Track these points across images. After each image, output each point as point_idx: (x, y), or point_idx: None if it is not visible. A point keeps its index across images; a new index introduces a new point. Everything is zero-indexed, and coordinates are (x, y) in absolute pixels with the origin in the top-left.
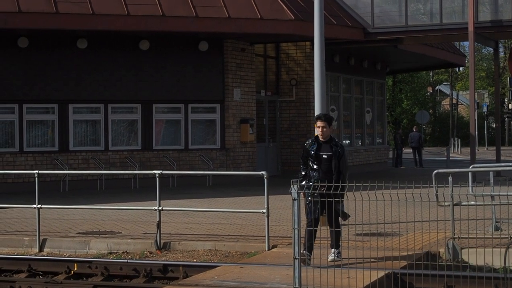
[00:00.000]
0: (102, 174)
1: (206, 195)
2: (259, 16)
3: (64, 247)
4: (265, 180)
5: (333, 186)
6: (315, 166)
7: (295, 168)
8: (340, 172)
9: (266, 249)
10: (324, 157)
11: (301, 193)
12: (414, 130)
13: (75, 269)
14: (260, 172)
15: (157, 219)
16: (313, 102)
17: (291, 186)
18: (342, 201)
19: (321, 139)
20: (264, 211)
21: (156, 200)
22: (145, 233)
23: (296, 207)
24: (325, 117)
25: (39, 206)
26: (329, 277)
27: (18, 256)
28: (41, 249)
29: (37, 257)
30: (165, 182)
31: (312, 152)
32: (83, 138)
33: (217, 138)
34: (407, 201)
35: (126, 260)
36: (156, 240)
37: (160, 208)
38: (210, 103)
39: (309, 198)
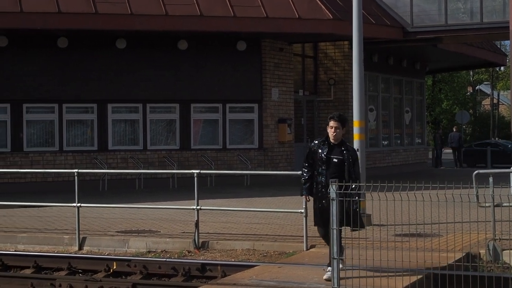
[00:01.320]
0: (140, 173)
1: (244, 195)
2: (297, 16)
3: (104, 245)
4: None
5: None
6: (323, 171)
7: None
8: (357, 178)
9: (304, 249)
10: (334, 161)
11: (305, 197)
12: (454, 130)
13: (114, 267)
14: (298, 172)
15: (195, 219)
16: (351, 102)
17: (330, 186)
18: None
19: (332, 141)
20: (302, 211)
21: (194, 199)
22: (184, 232)
23: (334, 207)
24: (339, 117)
25: (78, 204)
26: (368, 278)
27: (58, 254)
28: (80, 247)
29: (77, 255)
30: (203, 181)
31: (323, 155)
32: (122, 137)
33: (255, 137)
34: (447, 202)
35: (165, 259)
36: (195, 239)
37: (198, 207)
38: (248, 102)
39: (318, 206)
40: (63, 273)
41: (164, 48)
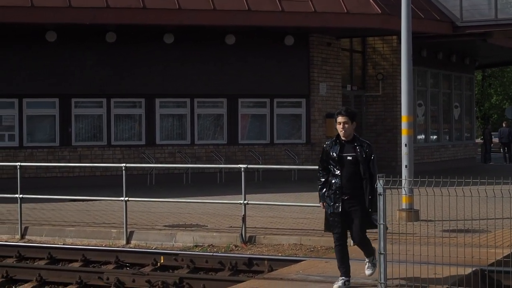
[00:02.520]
0: (188, 168)
1: (291, 190)
2: (346, 10)
3: (151, 239)
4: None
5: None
6: (337, 172)
7: (381, 163)
8: (372, 175)
9: (351, 244)
10: (348, 159)
11: (322, 204)
12: (504, 126)
13: (162, 261)
14: None
15: (243, 213)
16: (400, 97)
17: (377, 181)
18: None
19: (342, 138)
20: None
21: (241, 194)
22: (231, 226)
23: (381, 202)
24: (347, 112)
25: (126, 199)
26: (415, 273)
27: (106, 248)
28: (128, 241)
29: (125, 249)
30: (251, 176)
31: (334, 154)
32: (169, 132)
33: (303, 132)
34: (495, 198)
35: (212, 253)
36: (242, 234)
37: (245, 202)
38: (295, 97)
39: (331, 211)
40: (110, 266)
41: (211, 43)
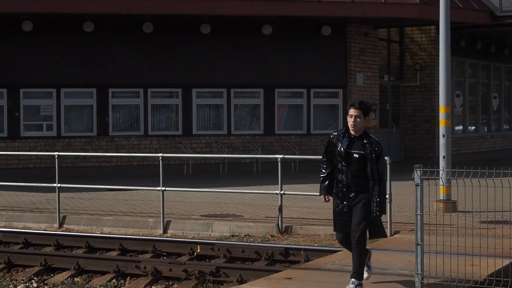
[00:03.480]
0: (224, 158)
1: None
2: (383, 0)
3: (188, 229)
4: (388, 166)
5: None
6: (343, 168)
7: (418, 154)
8: (380, 177)
9: (388, 235)
10: (355, 157)
11: (323, 196)
12: None
13: (198, 250)
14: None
15: (279, 203)
16: (438, 87)
17: (414, 171)
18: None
19: (352, 132)
20: (387, 196)
21: (277, 184)
22: (267, 216)
23: (419, 193)
24: (360, 105)
25: (163, 188)
26: (452, 264)
27: (143, 237)
28: (165, 230)
29: (162, 238)
30: (287, 166)
31: (342, 149)
32: (206, 122)
33: (339, 123)
34: None
35: (248, 243)
36: (278, 224)
37: (282, 192)
38: (332, 88)
39: (338, 208)
40: (147, 255)
41: (248, 33)
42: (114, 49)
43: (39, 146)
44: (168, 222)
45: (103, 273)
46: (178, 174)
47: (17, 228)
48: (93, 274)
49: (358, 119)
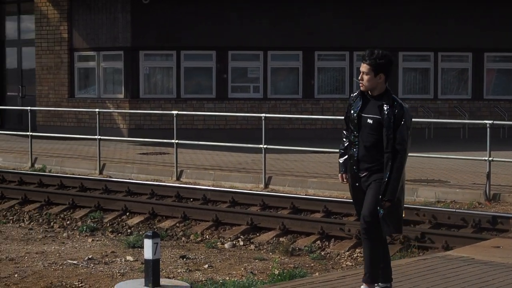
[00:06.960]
0: (430, 122)
1: None
2: None
3: None
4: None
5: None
6: (354, 138)
7: None
8: (397, 151)
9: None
10: (368, 122)
11: (340, 176)
12: None
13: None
14: None
15: (487, 170)
16: None
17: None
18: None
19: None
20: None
21: (485, 150)
22: (474, 183)
23: None
24: (371, 59)
25: None
26: None
27: (347, 200)
28: None
29: None
30: (496, 133)
31: (354, 114)
32: (412, 86)
33: None
34: None
35: (454, 210)
36: (485, 191)
37: (490, 158)
38: None
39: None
40: (352, 218)
41: None
42: (319, 15)
43: (246, 108)
44: None
45: (307, 234)
46: None
47: (224, 187)
48: (298, 235)
49: (366, 76)
